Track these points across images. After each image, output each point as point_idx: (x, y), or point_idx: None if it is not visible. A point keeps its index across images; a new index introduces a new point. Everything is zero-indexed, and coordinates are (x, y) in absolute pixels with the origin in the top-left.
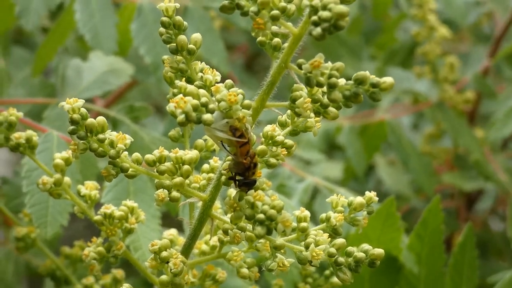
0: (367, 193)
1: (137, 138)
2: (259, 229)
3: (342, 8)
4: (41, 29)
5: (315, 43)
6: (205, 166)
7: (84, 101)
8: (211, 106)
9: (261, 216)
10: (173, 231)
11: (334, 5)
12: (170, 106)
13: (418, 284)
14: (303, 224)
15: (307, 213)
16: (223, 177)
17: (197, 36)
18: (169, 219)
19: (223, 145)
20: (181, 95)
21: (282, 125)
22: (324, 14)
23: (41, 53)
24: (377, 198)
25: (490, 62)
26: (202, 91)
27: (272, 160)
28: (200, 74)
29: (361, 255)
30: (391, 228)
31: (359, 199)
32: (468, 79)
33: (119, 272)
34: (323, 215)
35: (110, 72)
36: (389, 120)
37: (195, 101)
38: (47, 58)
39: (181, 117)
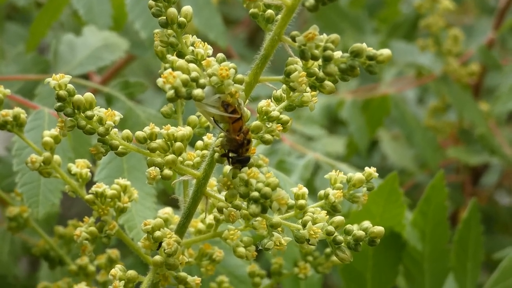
0: (366, 169)
1: (133, 114)
2: (254, 208)
3: None
4: (36, 4)
5: (316, 16)
6: (199, 143)
7: (70, 77)
8: (201, 81)
9: (256, 194)
10: (168, 210)
11: None
12: (159, 81)
13: (422, 261)
14: (301, 201)
15: (305, 190)
16: (216, 154)
17: (187, 8)
18: (167, 197)
19: (215, 121)
20: (170, 70)
21: (278, 100)
22: None
23: (34, 28)
24: (377, 174)
25: (494, 34)
26: (192, 65)
27: (267, 136)
28: (191, 48)
29: (360, 233)
30: (394, 204)
31: (358, 175)
32: (472, 51)
33: (114, 252)
34: (322, 192)
35: (104, 47)
36: (393, 94)
37: (185, 76)
38: (40, 34)
39: (170, 93)
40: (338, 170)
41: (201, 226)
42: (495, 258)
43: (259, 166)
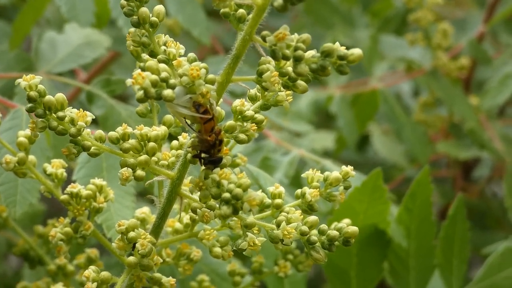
0: (343, 167)
1: (114, 112)
2: (225, 209)
3: None
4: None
5: (306, 11)
6: (174, 143)
7: (41, 77)
8: (171, 81)
9: (227, 195)
10: (145, 209)
11: None
12: (128, 82)
13: (407, 258)
14: (278, 201)
15: (281, 189)
16: (189, 155)
17: (159, 8)
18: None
19: (186, 122)
20: (139, 70)
21: (252, 99)
22: None
23: (17, 25)
24: (354, 173)
25: (485, 27)
26: (162, 65)
27: (242, 136)
28: (163, 47)
29: (334, 233)
30: (378, 201)
31: (335, 174)
32: (463, 45)
33: (93, 252)
34: (298, 191)
35: (85, 45)
36: (382, 89)
37: (154, 77)
38: (24, 31)
39: (139, 93)
40: (322, 167)
41: (178, 225)
42: (484, 253)
43: (236, 165)
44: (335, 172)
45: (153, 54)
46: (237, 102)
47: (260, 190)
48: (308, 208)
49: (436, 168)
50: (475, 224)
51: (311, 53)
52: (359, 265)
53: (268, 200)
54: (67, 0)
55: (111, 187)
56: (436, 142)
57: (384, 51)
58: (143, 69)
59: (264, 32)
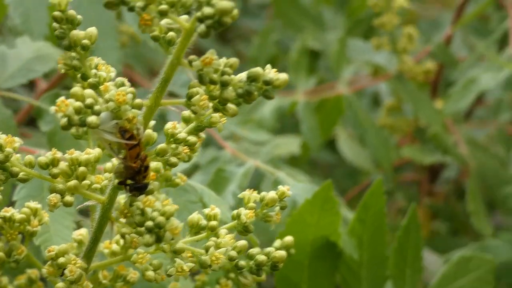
0: (280, 187)
1: None
2: (148, 237)
3: (226, 4)
4: None
5: (276, 14)
6: (108, 165)
7: None
8: (96, 107)
9: (150, 223)
10: (83, 231)
11: (218, 1)
12: (52, 109)
13: (359, 270)
14: (212, 223)
15: (217, 210)
16: (116, 181)
17: (91, 30)
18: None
19: (111, 149)
20: (62, 98)
21: (187, 121)
22: (207, 10)
23: None
24: (290, 193)
25: (452, 29)
26: (88, 91)
27: (173, 159)
28: (94, 70)
29: (262, 258)
30: (329, 212)
31: (271, 195)
32: (430, 48)
33: (33, 272)
34: (234, 212)
35: (36, 59)
36: (347, 94)
37: (78, 103)
38: None
39: (63, 121)
40: (275, 179)
41: (115, 247)
42: (445, 259)
43: (176, 185)
44: (272, 192)
45: (85, 77)
46: (169, 125)
47: (197, 212)
48: (244, 230)
49: (405, 172)
50: (442, 228)
51: (240, 76)
52: (311, 277)
53: (203, 222)
54: (22, 11)
55: None
56: (403, 146)
57: (351, 55)
58: (68, 96)
59: (191, 57)
